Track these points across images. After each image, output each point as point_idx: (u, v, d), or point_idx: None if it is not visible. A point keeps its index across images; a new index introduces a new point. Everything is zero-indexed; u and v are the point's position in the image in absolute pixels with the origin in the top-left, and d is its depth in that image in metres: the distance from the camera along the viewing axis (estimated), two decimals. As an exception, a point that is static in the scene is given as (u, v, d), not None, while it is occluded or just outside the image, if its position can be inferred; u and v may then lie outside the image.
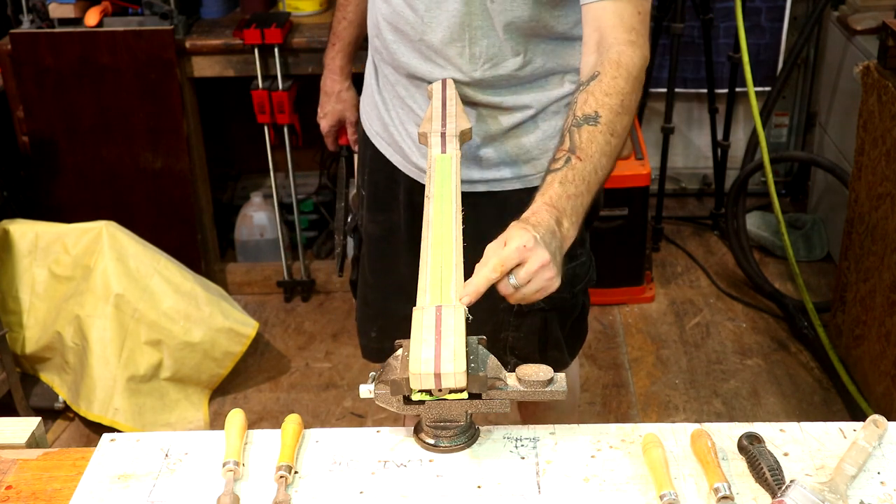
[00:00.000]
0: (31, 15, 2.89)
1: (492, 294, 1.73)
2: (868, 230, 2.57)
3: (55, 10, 2.84)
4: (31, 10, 2.89)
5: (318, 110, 2.07)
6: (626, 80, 1.39)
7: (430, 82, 1.61)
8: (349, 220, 2.06)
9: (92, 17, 2.83)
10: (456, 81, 1.59)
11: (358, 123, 2.05)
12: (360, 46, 2.01)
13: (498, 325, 1.76)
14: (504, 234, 1.24)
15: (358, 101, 2.03)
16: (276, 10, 3.07)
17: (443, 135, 1.47)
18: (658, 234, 3.49)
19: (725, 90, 3.43)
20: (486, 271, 1.20)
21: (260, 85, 2.92)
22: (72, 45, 2.83)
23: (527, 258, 1.20)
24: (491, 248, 1.23)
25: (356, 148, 2.08)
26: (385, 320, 1.90)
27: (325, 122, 2.07)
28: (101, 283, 2.59)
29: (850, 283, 2.72)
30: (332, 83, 2.03)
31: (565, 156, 1.34)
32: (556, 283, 1.25)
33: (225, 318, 2.72)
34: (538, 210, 1.29)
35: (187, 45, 2.88)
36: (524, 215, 1.29)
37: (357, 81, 1.98)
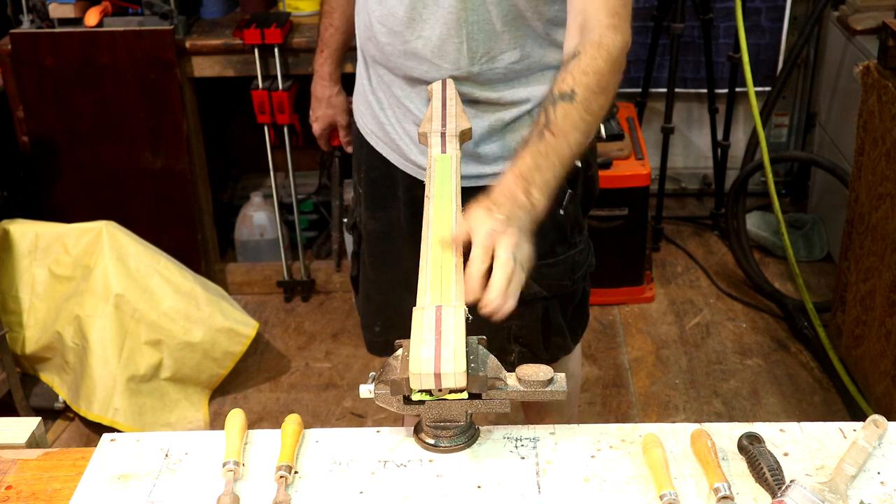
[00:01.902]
0: (31, 15, 2.89)
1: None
2: (868, 230, 2.57)
3: (55, 10, 2.84)
4: (31, 10, 2.89)
5: (310, 113, 2.14)
6: (605, 60, 1.42)
7: (426, 83, 1.62)
8: (347, 218, 2.08)
9: (92, 17, 2.83)
10: (453, 79, 1.60)
11: (349, 126, 2.08)
12: (347, 51, 2.04)
13: None
14: (468, 216, 1.26)
15: (348, 105, 2.09)
16: (276, 10, 3.07)
17: (443, 135, 1.47)
18: (658, 234, 3.49)
19: (725, 90, 3.43)
20: (477, 265, 1.20)
21: (260, 85, 2.92)
22: (72, 45, 2.83)
23: (499, 242, 1.23)
24: (460, 234, 1.26)
25: (349, 149, 2.12)
26: (388, 314, 1.92)
27: (316, 126, 2.14)
28: (101, 283, 2.59)
29: (850, 283, 2.72)
30: (322, 88, 2.08)
31: (540, 130, 1.38)
32: (530, 254, 1.28)
33: (225, 318, 2.72)
34: (507, 182, 1.33)
35: (187, 45, 2.88)
36: (493, 189, 1.32)
37: (348, 82, 1.99)
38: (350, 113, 2.08)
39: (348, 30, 1.98)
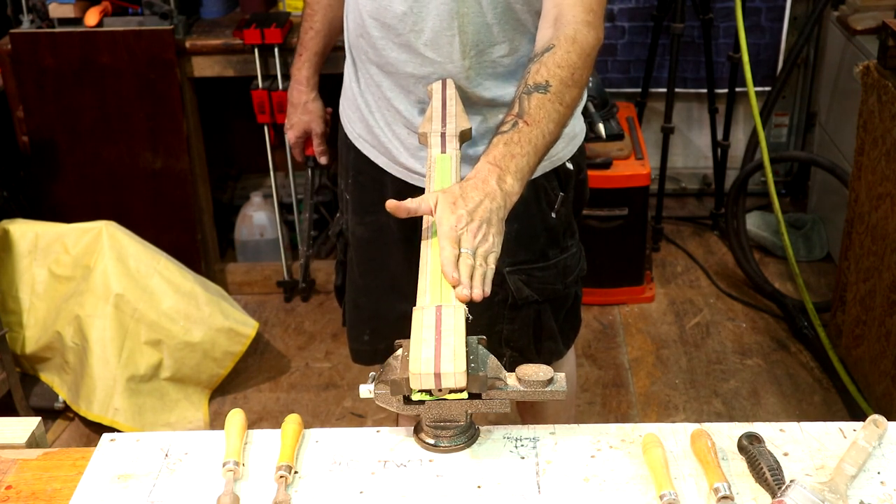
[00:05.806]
0: (31, 15, 2.89)
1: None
2: (868, 230, 2.57)
3: (55, 10, 2.84)
4: (31, 10, 2.89)
5: (286, 121, 2.08)
6: (578, 55, 1.43)
7: (419, 78, 1.62)
8: (332, 225, 2.05)
9: (92, 17, 2.83)
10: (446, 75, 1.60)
11: (325, 135, 2.06)
12: (327, 56, 2.01)
13: (493, 318, 1.78)
14: (435, 209, 1.27)
15: (324, 113, 2.05)
16: (276, 10, 3.08)
17: (443, 135, 1.47)
18: (658, 234, 3.49)
19: (725, 90, 3.43)
20: (446, 255, 1.22)
21: (260, 85, 2.93)
22: (72, 45, 2.83)
23: (462, 234, 1.24)
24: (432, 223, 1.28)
25: (322, 160, 2.09)
26: (378, 322, 1.90)
27: (291, 134, 2.07)
28: (101, 283, 2.59)
29: (850, 283, 2.72)
30: (299, 94, 2.02)
31: (513, 120, 1.37)
32: (498, 243, 1.27)
33: (225, 318, 2.72)
34: (480, 170, 1.32)
35: (187, 45, 2.88)
36: (466, 177, 1.32)
37: (336, 83, 1.98)
38: (326, 122, 2.07)
39: (329, 34, 1.96)
